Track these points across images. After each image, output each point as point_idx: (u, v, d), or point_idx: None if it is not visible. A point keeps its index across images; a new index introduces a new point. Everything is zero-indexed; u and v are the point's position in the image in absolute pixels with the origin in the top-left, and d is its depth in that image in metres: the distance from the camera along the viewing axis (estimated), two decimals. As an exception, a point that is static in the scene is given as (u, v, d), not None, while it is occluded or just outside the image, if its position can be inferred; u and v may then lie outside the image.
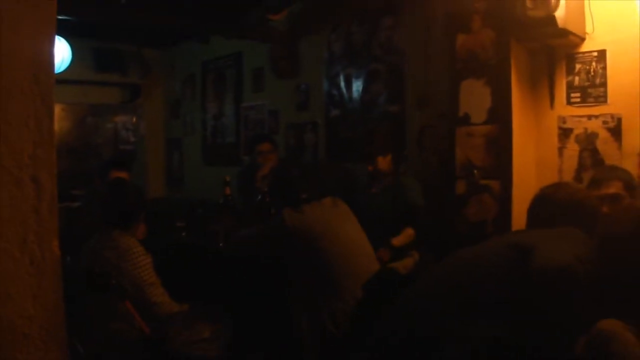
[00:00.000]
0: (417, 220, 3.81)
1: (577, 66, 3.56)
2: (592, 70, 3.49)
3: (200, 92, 7.34)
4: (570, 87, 3.59)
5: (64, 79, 5.87)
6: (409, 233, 3.70)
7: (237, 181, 4.94)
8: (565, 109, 3.61)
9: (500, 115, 3.54)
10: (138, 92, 7.92)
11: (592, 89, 3.49)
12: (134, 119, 8.07)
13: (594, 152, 3.48)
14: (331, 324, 2.93)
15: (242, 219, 4.13)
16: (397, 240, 3.61)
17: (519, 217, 3.25)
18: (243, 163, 6.11)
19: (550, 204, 2.42)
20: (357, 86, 5.17)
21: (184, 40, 7.28)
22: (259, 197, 3.99)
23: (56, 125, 1.76)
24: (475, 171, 3.62)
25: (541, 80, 3.71)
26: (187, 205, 5.46)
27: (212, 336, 3.05)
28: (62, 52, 5.75)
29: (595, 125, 3.48)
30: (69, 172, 6.48)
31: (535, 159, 3.70)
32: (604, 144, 3.45)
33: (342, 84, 5.31)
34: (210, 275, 3.67)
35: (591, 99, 3.50)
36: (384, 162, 4.01)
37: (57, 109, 5.56)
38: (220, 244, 3.94)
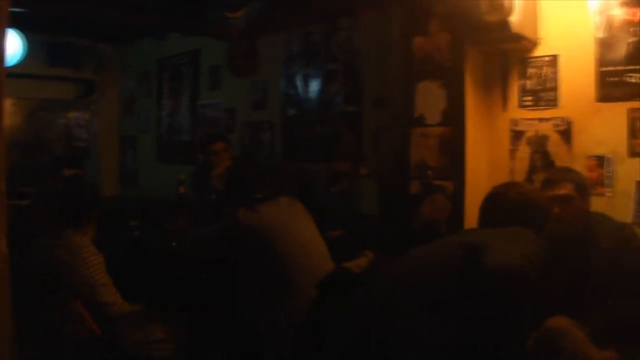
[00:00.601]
0: (369, 228, 3.84)
1: (530, 70, 3.62)
2: (544, 74, 3.56)
3: (156, 90, 7.26)
4: (523, 91, 3.65)
5: (16, 72, 5.73)
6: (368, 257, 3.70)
7: (191, 180, 4.89)
8: (517, 111, 3.67)
9: (455, 117, 3.58)
10: (92, 88, 7.79)
11: (544, 92, 3.56)
12: (87, 116, 7.92)
13: (545, 154, 3.55)
14: (286, 323, 2.93)
15: (197, 218, 4.09)
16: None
17: (471, 217, 3.29)
18: (198, 161, 6.07)
19: (501, 203, 2.46)
20: (315, 86, 5.18)
21: (140, 37, 7.19)
22: (214, 196, 3.97)
23: (6, 120, 1.72)
24: (430, 172, 3.65)
25: (495, 83, 3.77)
26: (140, 204, 5.40)
27: (166, 337, 3.02)
28: (14, 45, 5.63)
29: (546, 128, 3.55)
30: (18, 169, 6.32)
31: (487, 161, 3.75)
32: (555, 147, 3.52)
33: (300, 83, 5.32)
34: (163, 275, 3.63)
35: (543, 103, 3.56)
36: (344, 163, 4.03)
37: (8, 103, 5.44)
38: (174, 244, 3.90)
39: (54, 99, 7.67)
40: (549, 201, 2.82)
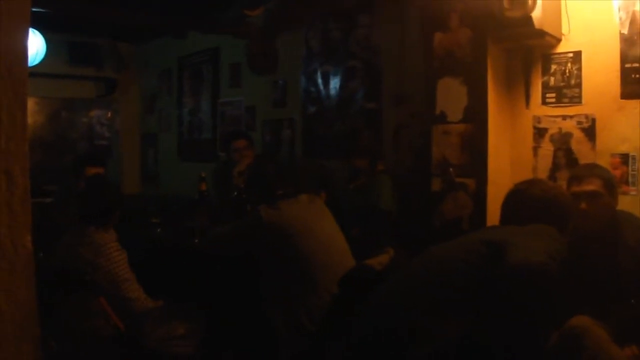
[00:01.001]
0: (386, 223, 3.84)
1: (553, 67, 3.59)
2: (567, 70, 3.53)
3: (177, 88, 7.30)
4: (546, 87, 3.62)
5: (38, 72, 5.79)
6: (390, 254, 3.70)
7: (212, 177, 4.91)
8: (540, 108, 3.65)
9: (476, 114, 3.56)
10: (113, 87, 7.84)
11: (567, 89, 3.53)
12: (109, 114, 7.98)
13: (568, 151, 3.52)
14: (307, 320, 2.93)
15: (218, 215, 4.11)
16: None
17: (493, 214, 3.27)
18: (219, 159, 6.09)
19: (523, 200, 2.43)
20: (335, 83, 5.17)
21: (161, 35, 7.23)
22: (235, 193, 3.98)
23: (29, 119, 1.74)
24: (451, 169, 3.64)
25: (517, 80, 3.74)
26: (162, 202, 5.44)
27: (187, 333, 3.04)
28: (36, 45, 5.67)
29: (569, 125, 3.52)
30: (42, 167, 6.39)
31: (510, 158, 3.73)
32: (578, 144, 3.49)
33: (320, 80, 5.31)
34: (185, 272, 3.65)
35: (566, 99, 3.53)
36: (361, 160, 4.04)
37: (31, 102, 5.49)
38: (196, 241, 3.92)
39: (76, 98, 7.74)
40: (576, 197, 2.80)
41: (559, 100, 3.56)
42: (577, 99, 3.49)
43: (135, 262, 3.20)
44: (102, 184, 3.50)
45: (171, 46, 7.24)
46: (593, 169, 2.88)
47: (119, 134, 7.98)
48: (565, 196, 2.51)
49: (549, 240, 2.08)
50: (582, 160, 3.42)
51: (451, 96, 3.67)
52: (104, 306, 2.91)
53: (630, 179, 3.28)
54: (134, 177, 7.89)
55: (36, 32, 5.67)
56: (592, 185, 2.77)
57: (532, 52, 3.66)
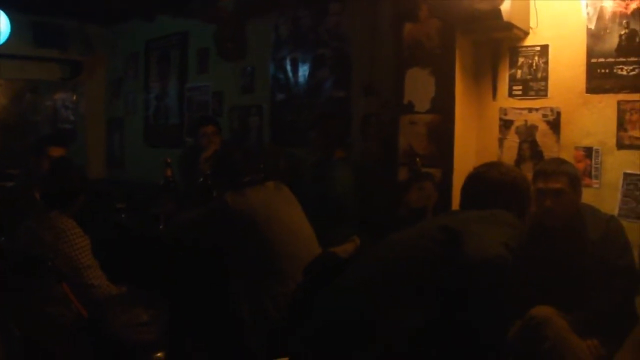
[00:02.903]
0: (333, 210, 3.86)
1: (520, 60, 3.63)
2: (534, 64, 3.57)
3: (144, 72, 7.19)
4: (513, 80, 3.66)
5: (1, 53, 5.67)
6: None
7: (179, 163, 4.87)
8: (507, 101, 3.68)
9: (444, 104, 3.59)
10: (79, 70, 7.71)
11: (534, 82, 3.57)
12: (74, 97, 7.86)
13: (533, 144, 3.57)
14: (273, 308, 2.93)
15: (184, 201, 4.08)
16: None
17: (458, 204, 3.30)
18: (186, 145, 6.03)
19: (482, 184, 2.39)
20: (304, 71, 5.15)
21: (129, 18, 7.11)
22: (201, 179, 3.95)
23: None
24: (418, 159, 3.66)
25: (484, 72, 3.77)
26: (127, 187, 5.38)
27: (150, 320, 3.02)
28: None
29: (535, 118, 3.56)
30: (4, 151, 6.28)
31: (476, 149, 3.77)
32: (543, 137, 3.53)
33: (289, 68, 5.29)
34: (149, 258, 3.62)
35: (532, 92, 3.57)
36: (322, 147, 4.05)
37: (-7, 84, 5.38)
38: (161, 227, 3.89)
39: (40, 80, 7.60)
40: (541, 193, 2.83)
41: (526, 93, 3.60)
42: (543, 92, 3.53)
43: (99, 248, 3.16)
44: (65, 168, 3.44)
45: (139, 29, 7.12)
46: (560, 166, 2.89)
47: (84, 117, 7.85)
48: (524, 179, 2.47)
49: (506, 228, 2.04)
50: (547, 153, 3.46)
51: (419, 86, 3.68)
52: (66, 292, 2.87)
53: (593, 172, 3.33)
54: (99, 162, 7.76)
55: (0, 12, 5.55)
56: (558, 183, 2.79)
57: (500, 45, 3.69)
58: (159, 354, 2.95)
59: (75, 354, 2.92)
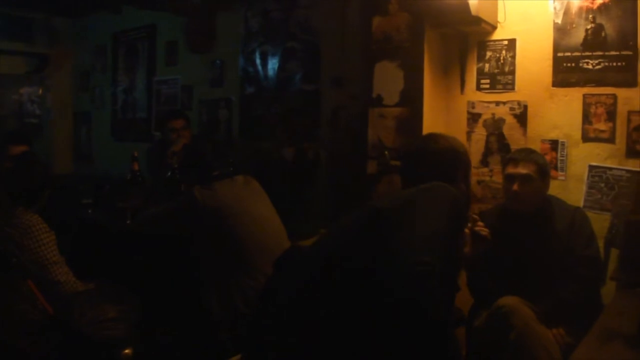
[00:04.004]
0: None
1: (488, 53, 3.66)
2: (501, 58, 3.60)
3: (111, 65, 7.11)
4: (481, 74, 3.69)
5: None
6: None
7: (147, 157, 4.82)
8: (474, 94, 3.72)
9: (412, 97, 3.60)
10: (45, 63, 7.59)
11: (501, 76, 3.60)
12: (40, 91, 7.73)
13: (501, 137, 3.61)
14: (242, 303, 2.92)
15: (151, 196, 4.03)
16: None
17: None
18: (154, 139, 5.98)
19: (419, 157, 2.26)
20: (273, 64, 5.14)
21: (96, 10, 7.01)
22: (169, 173, 3.91)
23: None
24: (387, 152, 3.67)
25: (453, 65, 3.80)
26: (94, 182, 5.30)
27: (118, 316, 2.98)
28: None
29: (502, 111, 3.60)
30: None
31: (444, 142, 3.78)
32: (510, 130, 3.57)
33: (258, 61, 5.26)
34: (117, 254, 3.58)
35: (500, 86, 3.61)
36: (289, 141, 4.05)
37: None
38: (128, 222, 3.85)
39: (5, 73, 7.46)
40: (510, 178, 2.87)
41: (493, 87, 3.63)
42: (510, 86, 3.57)
43: (66, 244, 3.11)
44: (29, 163, 3.38)
45: (106, 21, 7.03)
46: (530, 154, 2.95)
47: (51, 111, 7.73)
48: (461, 146, 2.29)
49: (441, 212, 1.84)
50: (514, 146, 3.51)
51: (388, 79, 3.69)
52: (32, 289, 2.83)
53: (559, 165, 3.38)
54: (66, 156, 7.66)
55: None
56: (526, 169, 2.84)
57: (468, 39, 3.72)
58: (127, 351, 2.92)
59: (41, 351, 2.88)
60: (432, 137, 2.32)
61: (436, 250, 1.56)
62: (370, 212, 1.80)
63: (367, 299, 1.62)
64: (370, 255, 1.65)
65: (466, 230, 2.10)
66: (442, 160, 2.16)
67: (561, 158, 3.39)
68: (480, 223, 2.13)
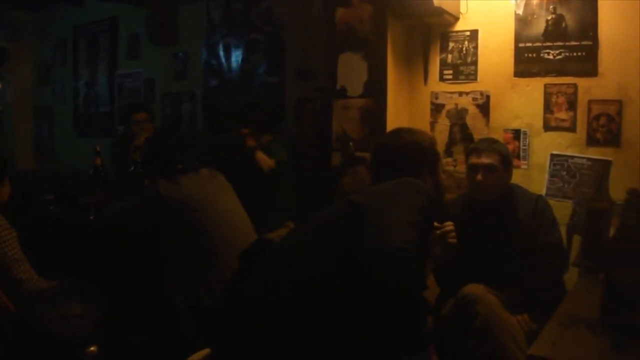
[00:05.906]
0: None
1: (451, 44, 3.69)
2: (464, 48, 3.63)
3: (72, 58, 7.00)
4: (443, 64, 3.72)
5: None
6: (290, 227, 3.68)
7: (110, 151, 4.76)
8: (438, 85, 3.75)
9: (376, 89, 3.61)
10: (5, 57, 7.44)
11: (464, 66, 3.63)
12: (0, 86, 7.59)
13: (464, 127, 3.64)
14: (207, 296, 2.90)
15: (115, 191, 3.98)
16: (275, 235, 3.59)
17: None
18: (117, 133, 5.90)
19: (387, 153, 2.25)
20: (237, 56, 5.11)
21: (56, 3, 6.89)
22: (132, 167, 3.86)
23: None
24: (351, 143, 3.67)
25: (416, 56, 3.82)
26: (57, 178, 5.22)
27: (83, 313, 2.94)
28: None
29: (465, 102, 3.63)
30: None
31: (408, 133, 3.80)
32: (473, 120, 3.61)
33: (221, 53, 5.23)
34: (80, 250, 3.53)
35: (462, 77, 3.64)
36: (249, 134, 4.03)
37: None
38: (91, 217, 3.79)
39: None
40: (473, 168, 2.88)
41: (456, 77, 3.66)
42: (472, 76, 3.60)
43: (27, 241, 3.06)
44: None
45: (67, 14, 6.92)
46: (493, 144, 2.96)
47: (11, 106, 7.59)
48: (429, 138, 2.29)
49: (413, 203, 1.78)
50: (477, 136, 3.54)
51: (352, 71, 3.69)
52: (-7, 287, 2.78)
53: (521, 154, 3.43)
54: (27, 152, 7.53)
55: None
56: (489, 159, 2.86)
57: (431, 30, 3.74)
58: (92, 348, 2.88)
59: (4, 350, 2.83)
60: (397, 132, 2.32)
61: (411, 240, 1.58)
62: (350, 205, 1.82)
63: (347, 289, 1.64)
64: (351, 245, 1.66)
65: (439, 235, 2.14)
66: (405, 156, 2.18)
67: (523, 147, 3.43)
68: (453, 234, 2.15)
